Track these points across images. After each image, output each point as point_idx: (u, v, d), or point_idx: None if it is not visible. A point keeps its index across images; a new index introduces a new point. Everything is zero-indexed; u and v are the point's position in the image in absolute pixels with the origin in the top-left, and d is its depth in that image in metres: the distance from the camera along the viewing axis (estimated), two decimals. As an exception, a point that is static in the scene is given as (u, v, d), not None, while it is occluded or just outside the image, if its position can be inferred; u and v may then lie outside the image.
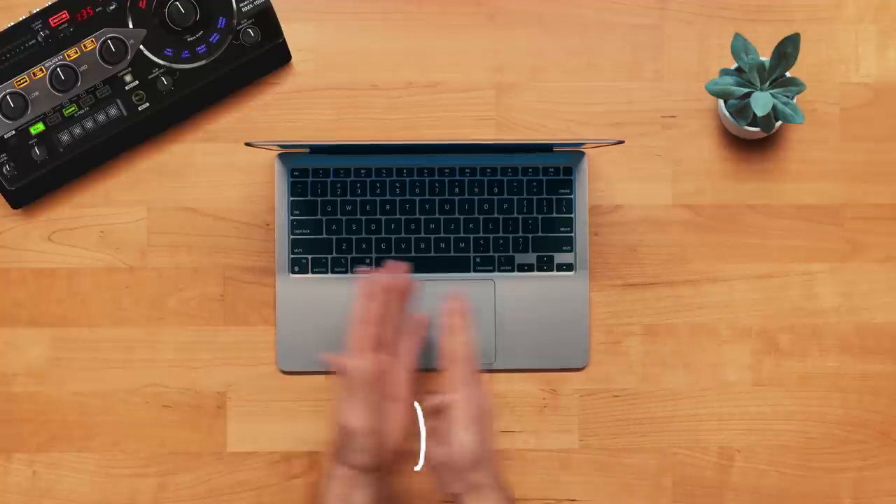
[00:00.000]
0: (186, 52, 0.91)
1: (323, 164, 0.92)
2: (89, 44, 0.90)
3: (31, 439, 0.92)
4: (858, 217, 0.93)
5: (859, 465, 0.93)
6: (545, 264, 0.92)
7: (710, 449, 0.93)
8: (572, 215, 0.92)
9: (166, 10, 0.90)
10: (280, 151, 0.92)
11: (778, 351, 0.93)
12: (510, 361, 0.92)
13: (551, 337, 0.92)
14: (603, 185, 0.93)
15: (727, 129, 0.93)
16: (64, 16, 0.90)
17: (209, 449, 0.92)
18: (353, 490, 0.80)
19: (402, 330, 0.84)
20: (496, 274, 0.92)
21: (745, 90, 0.87)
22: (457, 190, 0.92)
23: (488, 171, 0.92)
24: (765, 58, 0.88)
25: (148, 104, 0.91)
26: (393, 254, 0.92)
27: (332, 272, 0.92)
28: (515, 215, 0.92)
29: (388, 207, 0.92)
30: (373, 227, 0.92)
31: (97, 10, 0.90)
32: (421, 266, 0.92)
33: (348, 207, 0.92)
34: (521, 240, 0.92)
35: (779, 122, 0.90)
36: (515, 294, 0.92)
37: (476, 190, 0.92)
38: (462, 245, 0.92)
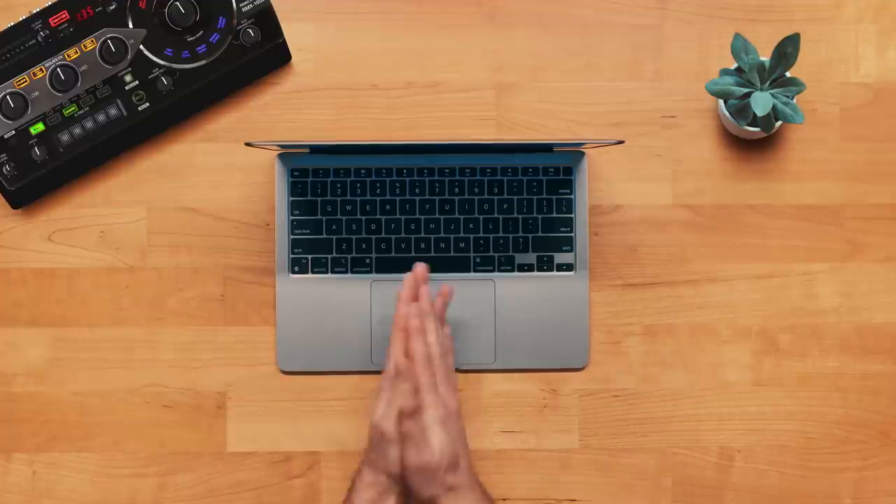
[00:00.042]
0: (186, 52, 0.91)
1: (323, 164, 0.92)
2: (89, 44, 0.90)
3: (31, 439, 0.92)
4: (858, 217, 0.93)
5: (859, 465, 0.93)
6: (545, 264, 0.92)
7: (710, 449, 0.93)
8: (572, 215, 0.92)
9: (166, 10, 0.90)
10: (280, 151, 0.92)
11: (778, 351, 0.93)
12: (510, 361, 0.92)
13: (551, 337, 0.92)
14: (603, 185, 0.93)
15: (727, 129, 0.93)
16: (64, 16, 0.90)
17: (209, 449, 0.92)
18: (384, 497, 0.80)
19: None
20: (496, 274, 0.92)
21: (745, 90, 0.87)
22: (457, 190, 0.92)
23: (488, 171, 0.92)
24: (765, 58, 0.88)
25: (148, 104, 0.91)
26: (393, 254, 0.92)
27: (332, 272, 0.92)
28: (515, 215, 0.92)
29: (388, 207, 0.92)
30: (373, 227, 0.92)
31: (97, 10, 0.90)
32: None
33: (348, 207, 0.92)
34: (521, 240, 0.92)
35: (779, 122, 0.90)
36: (515, 294, 0.92)
37: (476, 190, 0.92)
38: (462, 245, 0.92)
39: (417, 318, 0.82)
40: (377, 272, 0.92)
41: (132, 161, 0.93)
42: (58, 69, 0.90)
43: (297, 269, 0.92)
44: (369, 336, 0.92)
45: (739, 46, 0.87)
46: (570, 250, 0.92)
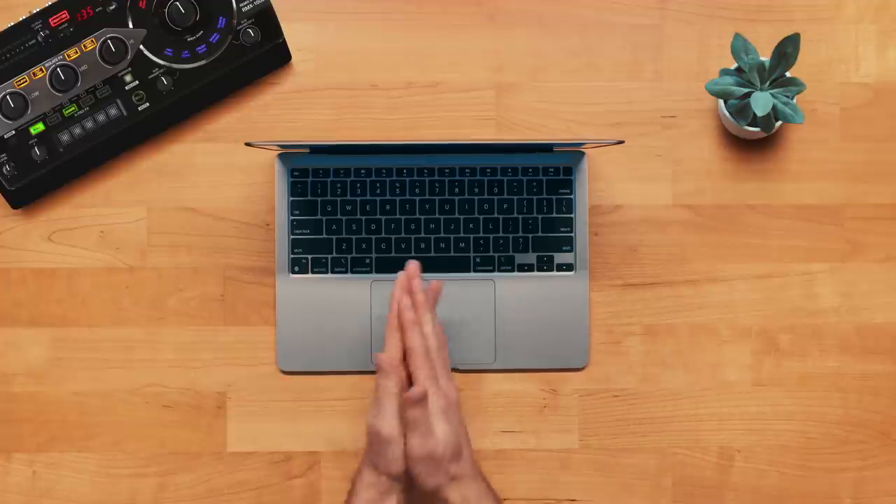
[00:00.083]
0: (186, 52, 0.91)
1: (323, 164, 0.92)
2: (89, 44, 0.90)
3: (31, 439, 0.92)
4: (858, 217, 0.93)
5: (859, 465, 0.93)
6: (545, 264, 0.92)
7: (710, 449, 0.93)
8: (572, 215, 0.92)
9: (166, 10, 0.90)
10: (280, 151, 0.92)
11: (778, 351, 0.93)
12: (510, 361, 0.92)
13: (551, 337, 0.92)
14: (603, 185, 0.93)
15: (727, 129, 0.93)
16: (64, 16, 0.90)
17: (209, 449, 0.92)
18: (385, 497, 0.80)
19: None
20: (496, 274, 0.92)
21: (745, 90, 0.87)
22: (457, 190, 0.92)
23: (488, 171, 0.92)
24: (765, 58, 0.88)
25: (148, 104, 0.91)
26: (393, 254, 0.92)
27: (332, 272, 0.92)
28: (515, 215, 0.92)
29: (388, 207, 0.92)
30: (373, 227, 0.92)
31: (97, 10, 0.90)
32: (421, 266, 0.91)
33: (348, 207, 0.92)
34: (521, 240, 0.92)
35: (779, 122, 0.90)
36: (515, 294, 0.92)
37: (476, 190, 0.92)
38: (462, 245, 0.92)
39: (412, 310, 0.82)
40: (377, 272, 0.92)
41: (132, 161, 0.93)
42: (58, 69, 0.90)
43: (297, 269, 0.92)
44: (369, 336, 0.92)
45: (739, 46, 0.87)
46: (570, 250, 0.92)
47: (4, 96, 0.89)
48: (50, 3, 0.90)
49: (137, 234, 0.93)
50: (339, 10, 0.94)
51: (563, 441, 0.93)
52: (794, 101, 0.87)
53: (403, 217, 0.92)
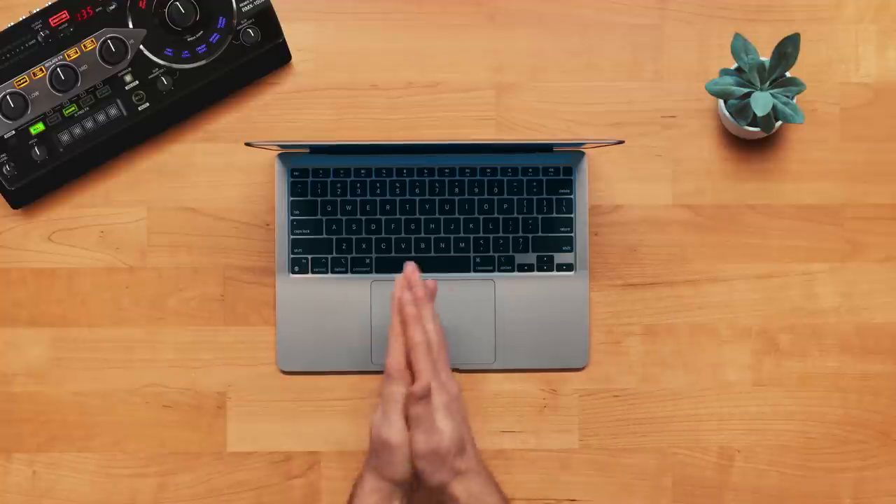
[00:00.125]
0: (186, 52, 0.91)
1: (323, 164, 0.92)
2: (89, 44, 0.90)
3: (31, 439, 0.92)
4: (858, 217, 0.93)
5: (859, 465, 0.93)
6: (545, 264, 0.92)
7: (710, 449, 0.93)
8: (572, 215, 0.92)
9: (166, 10, 0.90)
10: (280, 151, 0.92)
11: (778, 351, 0.93)
12: (510, 361, 0.92)
13: (551, 337, 0.92)
14: (603, 185, 0.93)
15: (727, 129, 0.93)
16: (64, 16, 0.90)
17: (209, 449, 0.92)
18: (388, 503, 0.79)
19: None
20: (496, 274, 0.92)
21: (745, 90, 0.87)
22: (457, 190, 0.92)
23: (488, 171, 0.92)
24: (765, 58, 0.88)
25: (148, 104, 0.91)
26: (393, 254, 0.92)
27: (332, 272, 0.92)
28: (515, 215, 0.92)
29: (388, 207, 0.92)
30: (373, 227, 0.92)
31: (97, 10, 0.90)
32: (421, 266, 0.91)
33: (348, 207, 0.92)
34: (521, 240, 0.92)
35: (779, 122, 0.90)
36: (515, 294, 0.92)
37: (476, 190, 0.92)
38: (462, 245, 0.92)
39: (413, 305, 0.82)
40: (377, 272, 0.92)
41: (132, 161, 0.93)
42: (58, 69, 0.90)
43: (297, 269, 0.92)
44: (369, 336, 0.92)
45: (739, 46, 0.87)
46: (570, 250, 0.92)
47: (4, 96, 0.89)
48: (50, 3, 0.90)
49: (137, 234, 0.93)
50: (339, 10, 0.94)
51: (563, 441, 0.93)
52: (794, 101, 0.87)
53: (403, 217, 0.92)
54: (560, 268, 0.92)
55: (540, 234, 0.92)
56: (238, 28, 0.91)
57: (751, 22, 0.93)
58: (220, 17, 0.91)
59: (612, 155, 0.93)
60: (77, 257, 0.93)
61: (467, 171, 0.92)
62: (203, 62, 0.91)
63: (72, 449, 0.92)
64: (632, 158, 0.93)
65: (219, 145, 0.93)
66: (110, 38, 0.90)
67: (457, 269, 0.92)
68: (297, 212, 0.92)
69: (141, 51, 0.91)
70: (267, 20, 0.91)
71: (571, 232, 0.92)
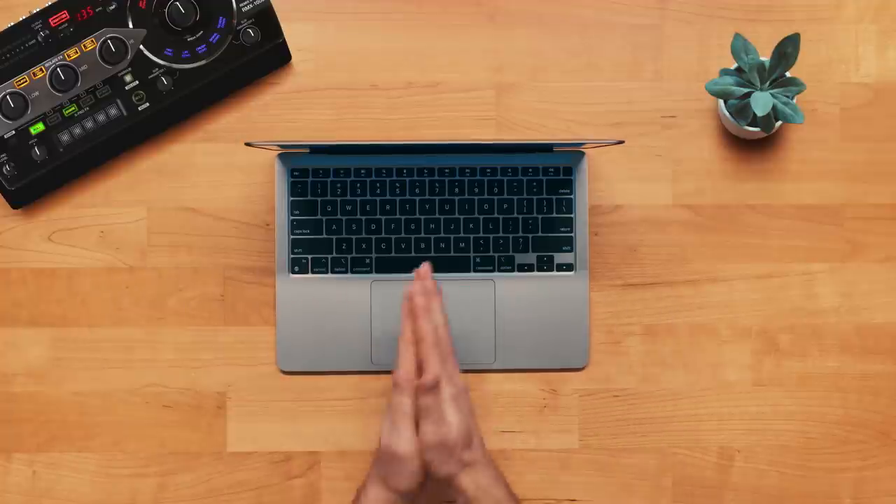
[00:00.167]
0: (186, 52, 0.91)
1: (323, 164, 0.92)
2: (89, 44, 0.90)
3: (31, 439, 0.92)
4: (858, 217, 0.93)
5: (859, 465, 0.93)
6: (545, 264, 0.92)
7: (710, 449, 0.93)
8: (572, 215, 0.92)
9: (166, 10, 0.90)
10: (280, 151, 0.92)
11: (778, 351, 0.93)
12: (510, 361, 0.92)
13: (551, 337, 0.92)
14: (603, 185, 0.93)
15: (727, 129, 0.93)
16: (64, 16, 0.90)
17: (209, 449, 0.92)
18: None
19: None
20: (496, 274, 0.92)
21: (745, 90, 0.87)
22: (457, 190, 0.92)
23: (488, 171, 0.92)
24: (765, 58, 0.88)
25: (148, 104, 0.91)
26: (393, 254, 0.92)
27: (332, 272, 0.92)
28: (515, 215, 0.92)
29: (388, 207, 0.92)
30: (373, 227, 0.92)
31: (97, 10, 0.90)
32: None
33: (348, 207, 0.92)
34: (521, 240, 0.92)
35: (779, 122, 0.90)
36: (515, 294, 0.92)
37: (476, 190, 0.92)
38: (462, 245, 0.92)
39: (422, 296, 0.82)
40: (377, 272, 0.92)
41: (132, 161, 0.93)
42: (58, 69, 0.90)
43: (297, 269, 0.92)
44: (369, 336, 0.92)
45: (739, 46, 0.87)
46: (570, 250, 0.92)
47: (4, 96, 0.89)
48: (50, 3, 0.90)
49: (137, 234, 0.93)
50: (339, 10, 0.94)
51: (563, 441, 0.93)
52: (794, 101, 0.87)
53: (403, 217, 0.92)
54: (560, 268, 0.92)
55: (540, 234, 0.92)
56: (238, 28, 0.91)
57: (751, 22, 0.93)
58: (220, 17, 0.91)
59: (612, 155, 0.93)
60: (77, 257, 0.93)
61: (467, 171, 0.92)
62: (203, 62, 0.91)
63: (72, 449, 0.92)
64: (632, 158, 0.93)
65: (219, 145, 0.93)
66: (110, 38, 0.90)
67: (457, 269, 0.92)
68: (297, 212, 0.92)
69: (141, 51, 0.91)
70: (267, 20, 0.92)
71: (571, 232, 0.92)
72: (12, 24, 0.89)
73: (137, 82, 0.91)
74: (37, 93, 0.90)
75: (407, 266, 0.92)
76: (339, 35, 0.94)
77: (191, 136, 0.93)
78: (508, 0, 0.94)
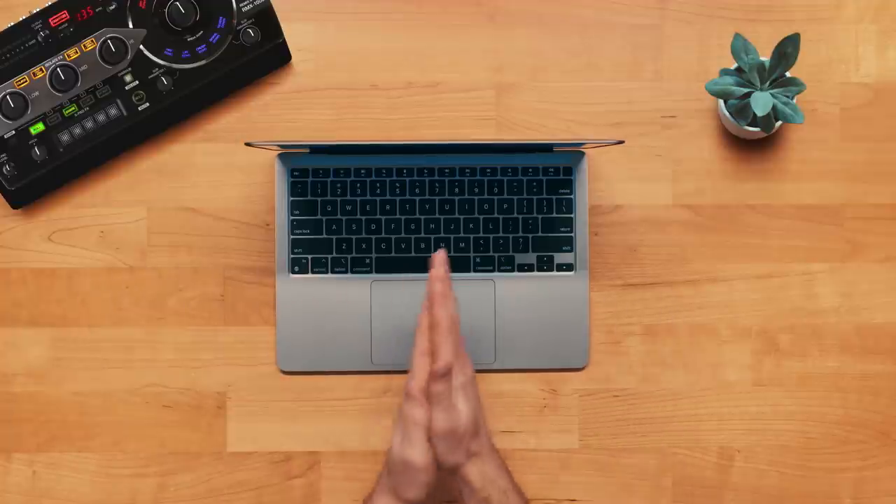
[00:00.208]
0: (186, 52, 0.91)
1: (323, 164, 0.92)
2: (89, 44, 0.90)
3: (31, 439, 0.92)
4: (858, 217, 0.93)
5: (859, 465, 0.93)
6: (545, 264, 0.92)
7: (710, 449, 0.93)
8: (572, 215, 0.92)
9: (166, 10, 0.90)
10: (280, 151, 0.92)
11: (778, 351, 0.93)
12: (510, 361, 0.92)
13: (551, 337, 0.92)
14: (603, 185, 0.93)
15: (727, 129, 0.93)
16: (64, 16, 0.90)
17: (209, 449, 0.92)
18: None
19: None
20: (496, 274, 0.92)
21: (745, 90, 0.87)
22: (457, 190, 0.92)
23: (488, 171, 0.92)
24: (765, 58, 0.88)
25: (148, 104, 0.91)
26: (393, 254, 0.92)
27: (332, 272, 0.92)
28: (515, 215, 0.92)
29: (388, 207, 0.92)
30: (373, 227, 0.92)
31: (97, 10, 0.90)
32: (421, 266, 0.92)
33: (348, 207, 0.92)
34: (521, 240, 0.92)
35: (779, 122, 0.90)
36: (515, 294, 0.92)
37: (476, 190, 0.92)
38: (462, 245, 0.92)
39: (442, 282, 0.82)
40: (377, 272, 0.92)
41: (132, 161, 0.93)
42: (58, 69, 0.90)
43: (297, 269, 0.92)
44: (369, 336, 0.92)
45: (739, 46, 0.87)
46: (570, 250, 0.92)
47: (4, 96, 0.89)
48: (50, 3, 0.90)
49: (137, 234, 0.93)
50: (339, 10, 0.94)
51: (563, 441, 0.93)
52: (794, 101, 0.87)
53: (403, 217, 0.92)
54: (560, 268, 0.92)
55: (540, 234, 0.92)
56: (238, 28, 0.91)
57: (751, 22, 0.93)
58: (220, 17, 0.91)
59: (612, 155, 0.93)
60: (77, 257, 0.93)
61: (467, 171, 0.92)
62: (203, 62, 0.91)
63: (72, 449, 0.92)
64: (632, 158, 0.93)
65: (219, 145, 0.93)
66: (110, 38, 0.90)
67: (457, 269, 0.92)
68: (297, 212, 0.92)
69: (141, 51, 0.91)
70: (267, 20, 0.92)
71: (571, 232, 0.92)
72: (12, 24, 0.89)
73: (137, 82, 0.91)
74: (37, 93, 0.90)
75: (407, 266, 0.92)
76: (339, 35, 0.94)
77: (191, 136, 0.93)
78: (508, 0, 0.94)
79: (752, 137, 0.92)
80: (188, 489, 0.92)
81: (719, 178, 0.93)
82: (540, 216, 0.92)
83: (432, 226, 0.92)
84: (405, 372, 0.91)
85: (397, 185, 0.92)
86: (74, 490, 0.92)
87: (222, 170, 0.93)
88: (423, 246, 0.92)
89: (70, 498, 0.92)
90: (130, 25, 0.90)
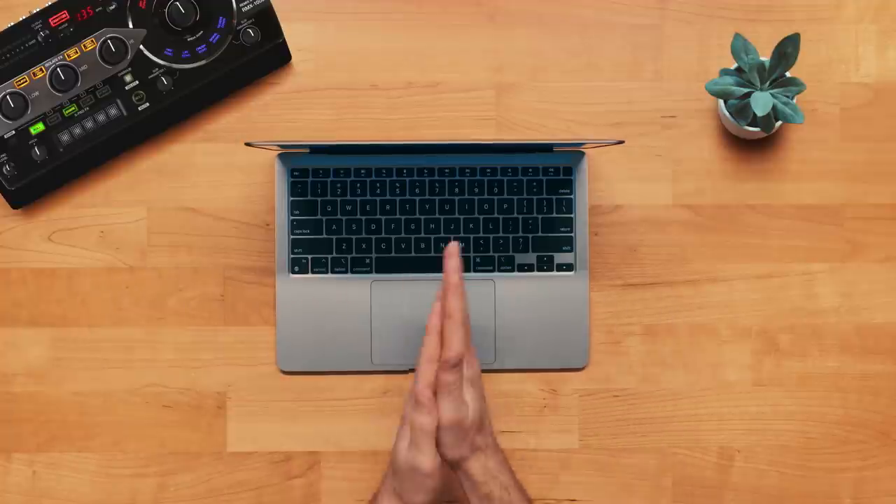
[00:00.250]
0: (186, 52, 0.91)
1: (323, 164, 0.92)
2: (89, 44, 0.90)
3: (31, 439, 0.92)
4: (858, 217, 0.93)
5: (859, 465, 0.93)
6: (545, 264, 0.92)
7: (710, 449, 0.93)
8: (572, 215, 0.92)
9: (166, 10, 0.90)
10: (280, 151, 0.92)
11: (778, 351, 0.93)
12: (510, 361, 0.92)
13: (551, 337, 0.92)
14: (603, 185, 0.93)
15: (727, 129, 0.93)
16: (64, 16, 0.90)
17: (209, 449, 0.92)
18: None
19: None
20: (496, 274, 0.92)
21: (745, 90, 0.87)
22: (457, 190, 0.92)
23: (488, 171, 0.92)
24: (765, 58, 0.88)
25: (148, 104, 0.91)
26: (393, 254, 0.92)
27: (332, 272, 0.92)
28: (515, 215, 0.92)
29: (388, 207, 0.92)
30: (373, 227, 0.92)
31: (97, 10, 0.90)
32: (421, 266, 0.92)
33: (348, 207, 0.92)
34: (521, 240, 0.92)
35: (779, 122, 0.90)
36: (515, 294, 0.92)
37: (476, 190, 0.92)
38: (462, 245, 0.92)
39: (457, 274, 0.81)
40: (377, 272, 0.92)
41: (132, 161, 0.93)
42: (58, 69, 0.90)
43: (297, 269, 0.92)
44: (369, 336, 0.92)
45: (739, 46, 0.87)
46: (570, 250, 0.92)
47: (4, 96, 0.89)
48: (50, 3, 0.90)
49: (137, 234, 0.93)
50: (339, 10, 0.94)
51: (563, 441, 0.93)
52: (794, 101, 0.87)
53: (403, 217, 0.92)
54: (560, 268, 0.92)
55: (540, 234, 0.92)
56: (238, 28, 0.91)
57: (751, 22, 0.93)
58: (220, 17, 0.91)
59: (612, 155, 0.93)
60: (77, 257, 0.93)
61: (467, 171, 0.92)
62: (203, 62, 0.91)
63: (72, 449, 0.92)
64: (632, 158, 0.93)
65: (219, 145, 0.93)
66: (110, 38, 0.90)
67: (457, 269, 0.92)
68: (297, 212, 0.92)
69: (141, 51, 0.91)
70: (267, 20, 0.91)
71: (571, 232, 0.92)
72: (12, 24, 0.89)
73: (137, 82, 0.91)
74: (37, 93, 0.90)
75: (407, 266, 0.92)
76: (339, 35, 0.94)
77: (191, 136, 0.93)
78: (508, 0, 0.94)
79: (752, 137, 0.92)
80: (188, 489, 0.92)
81: (719, 178, 0.93)
82: (540, 216, 0.92)
83: (432, 226, 0.92)
84: (405, 372, 0.92)
85: (397, 185, 0.92)
86: (74, 490, 0.92)
87: (222, 170, 0.93)
88: (422, 246, 0.92)
89: (70, 498, 0.92)
90: (130, 25, 0.90)
